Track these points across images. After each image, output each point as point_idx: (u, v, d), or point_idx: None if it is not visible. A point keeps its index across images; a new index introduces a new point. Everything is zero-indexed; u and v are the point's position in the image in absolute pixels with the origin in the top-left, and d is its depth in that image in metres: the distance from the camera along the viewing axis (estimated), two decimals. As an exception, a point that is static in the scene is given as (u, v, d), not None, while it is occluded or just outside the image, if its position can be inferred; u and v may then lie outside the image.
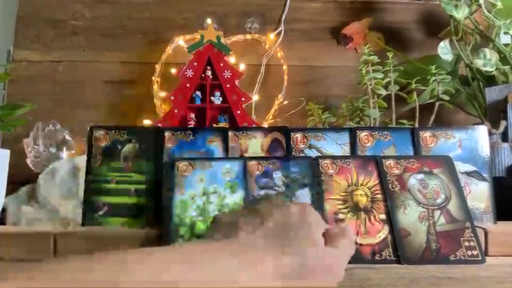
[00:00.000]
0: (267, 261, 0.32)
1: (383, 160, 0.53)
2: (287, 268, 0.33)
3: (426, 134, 0.57)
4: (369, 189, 0.51)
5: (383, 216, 0.49)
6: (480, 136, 0.57)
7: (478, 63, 0.84)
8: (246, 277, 0.30)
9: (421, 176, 0.52)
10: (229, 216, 0.38)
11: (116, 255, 0.27)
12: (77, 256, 0.26)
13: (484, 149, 0.56)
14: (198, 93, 0.99)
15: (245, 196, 0.50)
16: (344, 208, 0.49)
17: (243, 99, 0.99)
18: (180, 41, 1.06)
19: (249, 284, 0.30)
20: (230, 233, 0.34)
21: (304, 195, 0.50)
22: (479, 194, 0.54)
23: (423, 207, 0.49)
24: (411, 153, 0.57)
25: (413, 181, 0.51)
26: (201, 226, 0.47)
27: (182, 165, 0.52)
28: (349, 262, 0.45)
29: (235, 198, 0.49)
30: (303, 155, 0.57)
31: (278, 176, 0.52)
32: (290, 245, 0.34)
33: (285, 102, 1.06)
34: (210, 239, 0.35)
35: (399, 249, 0.46)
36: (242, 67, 1.06)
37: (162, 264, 0.28)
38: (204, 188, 0.50)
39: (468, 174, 0.55)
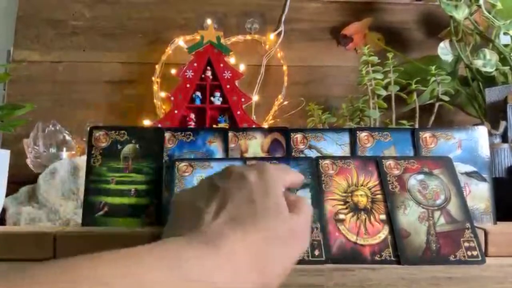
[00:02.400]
0: (239, 253, 0.30)
1: (383, 160, 0.53)
2: (259, 244, 0.31)
3: (426, 135, 0.57)
4: (369, 189, 0.51)
5: (383, 217, 0.49)
6: (480, 137, 0.57)
7: (478, 63, 0.84)
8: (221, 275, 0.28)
9: (421, 176, 0.52)
10: (188, 196, 0.36)
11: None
12: None
13: (484, 150, 0.56)
14: (198, 93, 0.99)
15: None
16: (344, 209, 0.49)
17: (243, 99, 0.99)
18: (180, 41, 1.06)
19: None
20: (193, 220, 0.32)
21: (304, 195, 0.50)
22: (479, 194, 0.54)
23: (423, 208, 0.49)
24: (411, 153, 0.57)
25: (413, 181, 0.51)
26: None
27: (182, 165, 0.52)
28: (349, 262, 0.45)
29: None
30: (303, 155, 0.57)
31: (278, 176, 0.52)
32: (257, 220, 0.32)
33: (285, 103, 1.06)
34: (172, 234, 0.31)
35: (399, 249, 0.46)
36: (242, 67, 1.06)
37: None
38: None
39: (468, 174, 0.55)
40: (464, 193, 0.51)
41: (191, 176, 0.51)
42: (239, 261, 0.29)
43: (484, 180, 0.55)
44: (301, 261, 0.45)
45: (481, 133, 0.57)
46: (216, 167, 0.52)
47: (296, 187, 0.43)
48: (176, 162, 0.53)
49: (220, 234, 0.30)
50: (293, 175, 0.40)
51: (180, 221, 0.34)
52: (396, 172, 0.52)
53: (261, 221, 0.32)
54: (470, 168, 0.55)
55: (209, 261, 0.28)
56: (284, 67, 1.08)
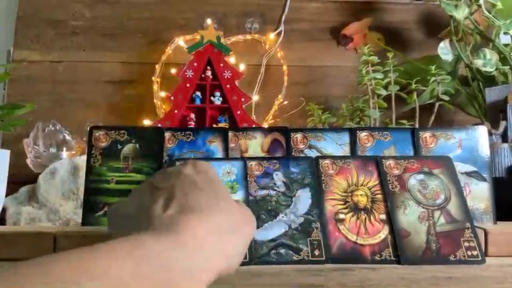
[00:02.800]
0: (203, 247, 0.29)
1: (383, 160, 0.53)
2: (216, 227, 0.30)
3: (426, 135, 0.57)
4: (369, 189, 0.51)
5: (383, 216, 0.49)
6: (480, 136, 0.57)
7: (478, 63, 0.84)
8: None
9: (421, 176, 0.52)
10: (128, 203, 0.34)
11: None
12: None
13: (484, 149, 0.56)
14: (198, 93, 0.99)
15: (245, 196, 0.50)
16: (344, 208, 0.49)
17: (243, 99, 0.99)
18: (180, 41, 1.06)
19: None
20: (142, 220, 0.30)
21: (304, 195, 0.50)
22: (479, 194, 0.54)
23: (423, 207, 0.49)
24: (411, 153, 0.57)
25: (413, 181, 0.51)
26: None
27: (182, 165, 0.52)
28: (349, 262, 0.45)
29: (235, 198, 0.49)
30: (303, 155, 0.57)
31: (278, 176, 0.52)
32: (210, 205, 0.31)
33: (285, 102, 1.06)
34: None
35: (399, 249, 0.46)
36: (242, 67, 1.06)
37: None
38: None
39: (468, 174, 0.55)
40: (464, 193, 0.51)
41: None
42: (204, 246, 0.29)
43: (484, 179, 0.55)
44: (301, 261, 0.45)
45: (481, 132, 0.57)
46: (217, 167, 0.52)
47: None
48: (177, 162, 0.53)
49: (176, 222, 0.29)
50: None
51: (127, 227, 0.32)
52: (396, 172, 0.52)
53: (214, 206, 0.32)
54: (470, 168, 0.55)
55: (176, 249, 0.27)
56: (284, 67, 1.08)
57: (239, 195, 0.50)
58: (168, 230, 0.28)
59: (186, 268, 0.27)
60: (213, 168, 0.38)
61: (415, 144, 0.57)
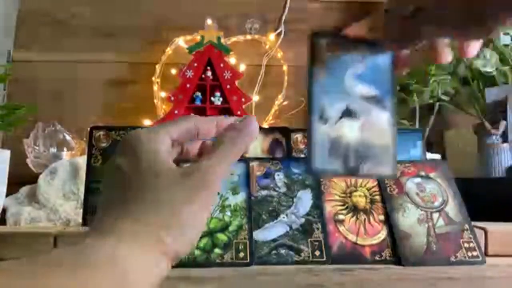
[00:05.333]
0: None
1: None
2: (158, 220, 0.28)
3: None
4: (368, 190, 0.51)
5: (382, 217, 0.49)
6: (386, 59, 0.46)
7: (478, 63, 0.84)
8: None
9: (418, 180, 0.52)
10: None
11: None
12: None
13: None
14: (198, 93, 0.99)
15: (247, 197, 0.50)
16: (343, 209, 0.49)
17: (243, 99, 0.99)
18: (180, 41, 1.06)
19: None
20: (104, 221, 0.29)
21: (305, 196, 0.50)
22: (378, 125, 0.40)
23: (421, 210, 0.49)
24: (411, 153, 0.57)
25: (411, 184, 0.51)
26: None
27: (182, 165, 0.52)
28: (349, 262, 0.45)
29: (237, 200, 0.49)
30: (303, 155, 0.57)
31: (279, 177, 0.52)
32: (137, 201, 0.29)
33: (285, 103, 1.06)
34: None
35: (400, 251, 0.46)
36: (242, 67, 1.06)
37: None
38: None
39: (368, 99, 0.41)
40: (361, 122, 0.40)
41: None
42: (140, 244, 0.27)
43: (385, 109, 0.41)
44: (301, 261, 0.45)
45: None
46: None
47: (203, 133, 0.34)
48: (176, 162, 0.53)
49: (110, 224, 0.28)
50: (181, 122, 0.33)
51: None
52: None
53: (139, 200, 0.29)
54: (372, 92, 0.41)
55: (119, 251, 0.26)
56: (284, 67, 1.08)
57: (241, 196, 0.50)
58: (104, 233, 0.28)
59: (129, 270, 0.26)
60: (168, 130, 0.32)
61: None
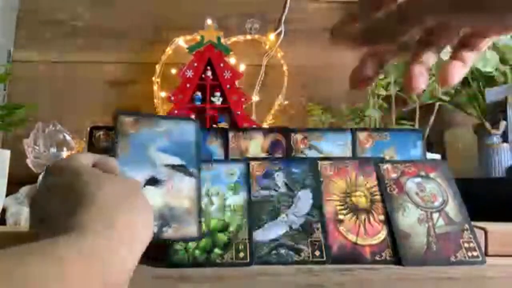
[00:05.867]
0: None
1: (380, 164, 0.53)
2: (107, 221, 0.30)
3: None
4: (368, 190, 0.51)
5: (382, 217, 0.49)
6: (189, 130, 0.50)
7: (478, 63, 0.84)
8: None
9: (418, 179, 0.52)
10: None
11: None
12: None
13: (192, 143, 0.50)
14: (198, 93, 0.99)
15: (247, 197, 0.50)
16: (343, 209, 0.49)
17: (243, 99, 0.99)
18: (180, 41, 1.06)
19: None
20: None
21: (305, 196, 0.50)
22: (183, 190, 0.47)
23: (421, 210, 0.49)
24: (411, 154, 0.57)
25: (411, 184, 0.51)
26: (203, 227, 0.47)
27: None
28: (349, 262, 0.45)
29: (236, 200, 0.49)
30: (303, 155, 0.57)
31: (279, 177, 0.52)
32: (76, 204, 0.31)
33: (285, 103, 1.06)
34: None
35: (400, 251, 0.46)
36: (242, 67, 1.06)
37: None
38: (206, 190, 0.50)
39: (174, 167, 0.48)
40: (166, 189, 0.46)
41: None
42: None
43: (190, 175, 0.48)
44: (301, 262, 0.45)
45: (190, 126, 0.50)
46: (219, 168, 0.52)
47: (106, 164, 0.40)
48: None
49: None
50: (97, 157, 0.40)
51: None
52: (394, 175, 0.52)
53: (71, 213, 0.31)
54: (177, 161, 0.48)
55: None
56: (284, 67, 1.08)
57: (241, 196, 0.50)
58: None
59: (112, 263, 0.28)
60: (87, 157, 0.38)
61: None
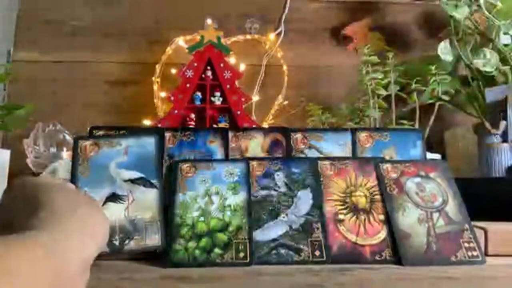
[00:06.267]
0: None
1: (380, 164, 0.53)
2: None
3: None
4: (368, 190, 0.51)
5: (382, 217, 0.49)
6: (148, 144, 0.53)
7: (478, 63, 0.84)
8: None
9: (418, 179, 0.52)
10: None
11: None
12: None
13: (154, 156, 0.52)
14: (198, 93, 0.99)
15: (247, 197, 0.50)
16: (343, 209, 0.49)
17: (243, 99, 0.99)
18: (180, 41, 1.06)
19: None
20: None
21: (305, 196, 0.50)
22: (144, 202, 0.49)
23: (421, 210, 0.49)
24: (411, 154, 0.57)
25: (411, 184, 0.51)
26: (203, 227, 0.47)
27: (185, 166, 0.52)
28: (349, 262, 0.45)
29: (236, 199, 0.49)
30: (303, 155, 0.57)
31: (279, 177, 0.52)
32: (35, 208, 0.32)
33: (285, 103, 1.06)
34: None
35: (400, 250, 0.46)
36: (242, 67, 1.06)
37: None
38: (206, 189, 0.50)
39: (133, 181, 0.50)
40: (127, 203, 0.48)
41: (194, 177, 0.51)
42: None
43: (152, 186, 0.50)
44: (301, 261, 0.45)
45: (151, 139, 0.53)
46: (219, 168, 0.52)
47: None
48: (180, 163, 0.53)
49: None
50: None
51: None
52: (393, 175, 0.52)
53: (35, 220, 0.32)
54: (136, 175, 0.50)
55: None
56: (284, 67, 1.08)
57: (241, 196, 0.50)
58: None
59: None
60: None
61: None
